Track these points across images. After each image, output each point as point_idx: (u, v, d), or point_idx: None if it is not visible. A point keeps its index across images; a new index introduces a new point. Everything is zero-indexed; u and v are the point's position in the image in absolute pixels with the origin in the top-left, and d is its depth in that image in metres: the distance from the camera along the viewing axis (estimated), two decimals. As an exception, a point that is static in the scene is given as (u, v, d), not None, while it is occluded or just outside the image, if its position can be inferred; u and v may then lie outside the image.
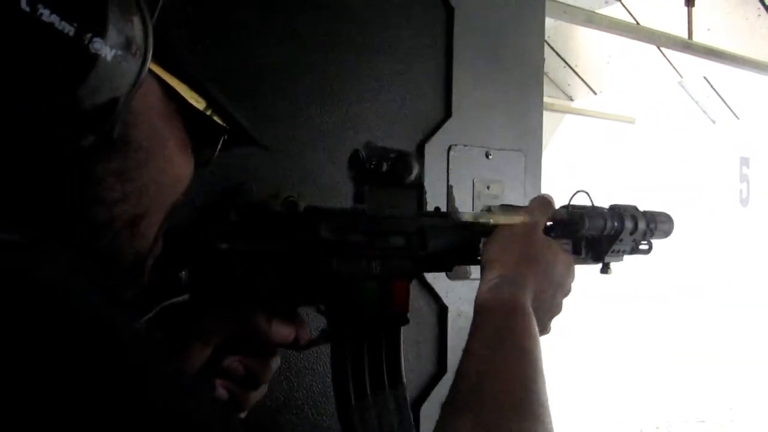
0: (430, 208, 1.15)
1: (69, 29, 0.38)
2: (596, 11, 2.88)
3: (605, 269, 0.88)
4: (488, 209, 0.81)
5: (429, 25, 1.19)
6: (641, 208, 0.89)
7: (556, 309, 0.75)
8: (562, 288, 0.75)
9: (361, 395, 0.67)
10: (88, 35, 0.39)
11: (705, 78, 5.46)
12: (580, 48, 4.60)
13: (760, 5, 3.72)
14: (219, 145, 0.58)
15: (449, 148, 1.20)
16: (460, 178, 1.21)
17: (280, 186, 0.64)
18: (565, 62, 4.87)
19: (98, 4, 0.39)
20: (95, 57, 0.39)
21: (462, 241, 0.77)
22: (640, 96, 5.45)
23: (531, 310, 0.66)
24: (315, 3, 1.06)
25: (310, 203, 0.65)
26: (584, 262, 0.87)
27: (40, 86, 0.39)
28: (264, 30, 1.01)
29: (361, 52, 1.11)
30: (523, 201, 1.30)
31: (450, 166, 1.20)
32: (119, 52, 0.40)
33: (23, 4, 0.37)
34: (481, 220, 0.80)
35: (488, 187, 1.25)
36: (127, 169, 0.46)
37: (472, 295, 1.22)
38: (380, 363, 0.69)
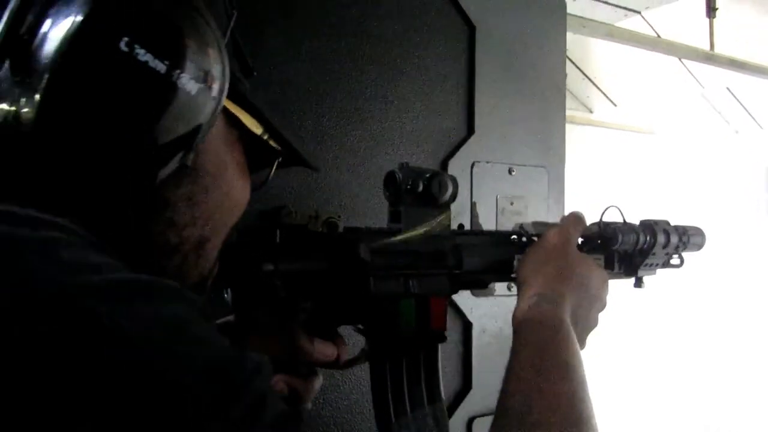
0: (453, 225, 1.16)
1: (161, 67, 0.41)
2: (616, 24, 2.88)
3: (638, 283, 0.89)
4: (521, 227, 0.81)
5: (451, 43, 1.20)
6: (672, 223, 0.90)
7: (592, 323, 0.75)
8: (597, 302, 0.75)
9: (401, 412, 0.68)
10: (177, 71, 0.42)
11: (728, 88, 5.40)
12: (599, 60, 4.59)
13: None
14: (274, 168, 0.60)
15: (472, 165, 1.20)
16: (483, 195, 1.21)
17: (318, 207, 0.65)
18: (584, 74, 4.86)
19: (182, 42, 0.42)
20: (182, 92, 0.42)
21: (497, 259, 0.78)
22: (661, 107, 5.41)
23: (571, 326, 0.66)
24: (339, 25, 1.07)
25: (349, 224, 0.66)
26: (617, 276, 0.88)
27: (133, 118, 0.41)
28: (291, 51, 1.03)
29: (385, 72, 1.12)
30: (546, 216, 1.30)
31: (473, 183, 1.20)
32: (201, 86, 0.43)
33: (122, 45, 0.39)
34: (515, 238, 0.81)
35: (511, 203, 1.25)
36: (196, 194, 0.49)
37: (496, 311, 1.22)
38: (419, 380, 0.70)
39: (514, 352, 0.64)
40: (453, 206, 1.17)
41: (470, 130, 1.21)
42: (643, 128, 5.26)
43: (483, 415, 1.18)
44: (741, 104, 5.77)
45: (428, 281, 0.70)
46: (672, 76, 4.81)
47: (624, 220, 0.85)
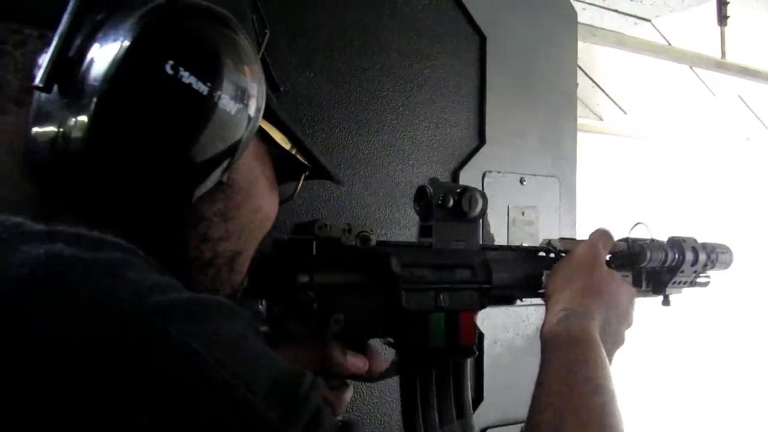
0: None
1: (203, 89, 0.42)
2: (626, 33, 2.87)
3: (666, 301, 0.88)
4: (549, 243, 0.81)
5: (462, 54, 1.20)
6: (700, 240, 0.90)
7: (620, 340, 0.75)
8: (625, 319, 0.75)
9: (430, 427, 0.68)
10: (218, 93, 0.43)
11: (739, 96, 5.37)
12: (608, 67, 4.58)
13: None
14: (301, 182, 0.62)
15: (483, 175, 1.20)
16: (494, 205, 1.21)
17: (351, 221, 0.66)
18: (594, 82, 4.85)
19: (223, 63, 0.43)
20: (222, 111, 0.43)
21: (525, 274, 0.78)
22: (671, 115, 5.39)
23: (600, 342, 0.66)
24: (350, 36, 1.08)
25: (381, 238, 0.67)
26: (645, 294, 0.88)
27: (176, 138, 0.42)
28: (302, 64, 1.03)
29: (396, 83, 1.13)
30: (558, 227, 1.30)
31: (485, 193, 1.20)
32: (240, 105, 0.44)
33: (167, 68, 0.41)
34: (543, 253, 0.81)
35: (523, 213, 1.25)
36: (229, 209, 0.50)
37: (508, 321, 1.22)
38: (448, 394, 0.71)
39: (544, 367, 0.64)
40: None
41: (481, 140, 1.21)
42: (654, 136, 5.24)
43: (495, 426, 1.18)
44: (752, 111, 5.74)
45: (458, 295, 0.70)
46: (682, 83, 4.79)
47: (652, 237, 0.85)
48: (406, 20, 1.14)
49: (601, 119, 5.21)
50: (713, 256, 0.88)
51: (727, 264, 0.91)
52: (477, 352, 0.73)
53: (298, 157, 0.58)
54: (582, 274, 0.72)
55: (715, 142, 5.96)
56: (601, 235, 0.79)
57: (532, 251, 0.83)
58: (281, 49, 1.02)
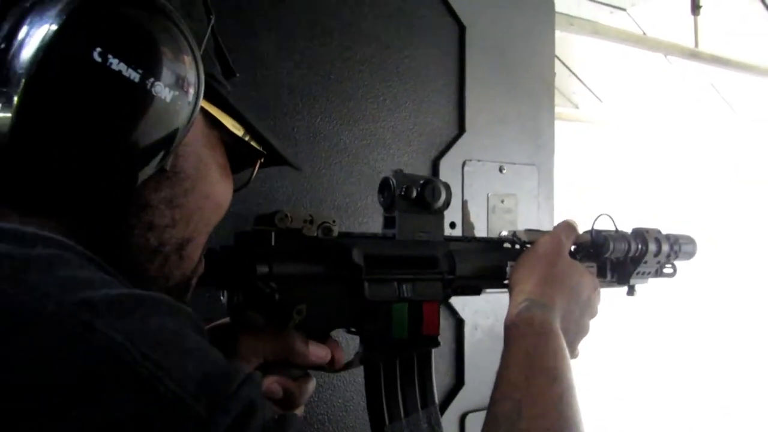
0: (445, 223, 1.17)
1: (135, 75, 0.41)
2: (601, 22, 2.90)
3: (631, 291, 0.90)
4: (514, 233, 0.83)
5: (442, 44, 1.21)
6: (664, 231, 0.91)
7: (583, 331, 0.76)
8: (589, 310, 0.76)
9: (395, 416, 0.69)
10: (151, 80, 0.42)
11: (711, 84, 5.46)
12: (584, 56, 4.62)
13: (765, 10, 3.73)
14: (256, 169, 0.61)
15: (463, 164, 1.22)
16: (474, 193, 1.23)
17: (313, 212, 0.66)
18: (570, 70, 4.89)
19: (156, 50, 0.43)
20: (156, 99, 0.43)
21: (489, 265, 0.78)
22: (646, 102, 5.46)
23: (560, 332, 0.67)
24: (331, 26, 1.08)
25: (343, 224, 0.67)
26: (610, 285, 0.89)
27: (109, 126, 0.42)
28: (283, 53, 1.03)
29: (376, 72, 1.13)
30: (537, 214, 1.32)
31: (464, 181, 1.21)
32: (176, 92, 0.44)
33: (95, 55, 0.40)
34: (507, 244, 0.82)
35: (502, 201, 1.27)
36: (176, 197, 0.49)
37: (488, 308, 1.24)
38: (413, 384, 0.71)
39: (504, 357, 0.65)
40: (445, 205, 1.18)
41: (461, 129, 1.22)
42: (628, 123, 5.31)
43: (476, 411, 1.20)
44: (724, 99, 5.84)
45: (421, 286, 0.70)
46: (656, 72, 4.85)
47: (615, 228, 0.86)
48: (385, 9, 1.14)
49: (577, 107, 5.27)
50: (676, 246, 0.90)
51: (690, 254, 0.93)
52: (440, 343, 0.73)
53: (252, 143, 0.57)
54: (544, 264, 0.73)
55: (687, 129, 6.06)
56: (566, 227, 0.79)
57: (497, 242, 0.83)
58: (261, 39, 1.01)
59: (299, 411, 0.68)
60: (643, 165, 6.12)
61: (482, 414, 1.25)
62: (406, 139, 1.16)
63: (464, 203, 1.21)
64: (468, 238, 0.81)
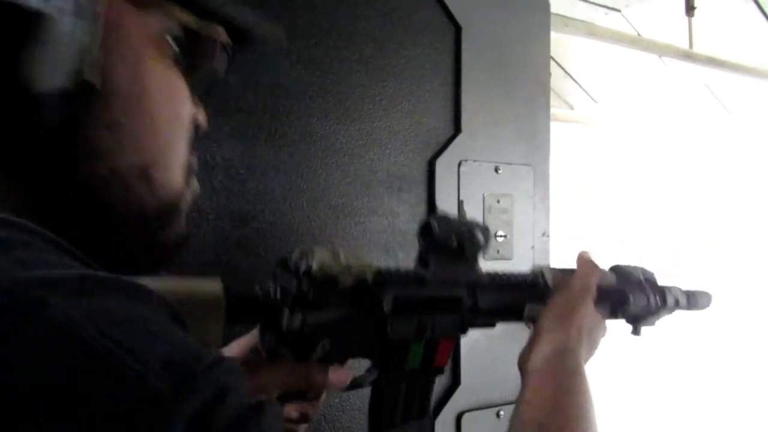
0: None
1: None
2: (597, 23, 2.91)
3: (636, 331, 0.91)
4: (540, 274, 0.82)
5: (438, 44, 1.21)
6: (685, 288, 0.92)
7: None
8: (595, 349, 0.79)
9: (392, 425, 0.70)
10: None
11: (705, 85, 5.48)
12: (578, 57, 4.64)
13: (758, 11, 3.75)
14: (215, 57, 0.53)
15: (459, 164, 1.22)
16: (470, 193, 1.23)
17: (352, 257, 0.66)
18: (565, 71, 4.90)
19: None
20: (51, 17, 0.39)
21: (510, 303, 0.79)
22: (640, 103, 5.48)
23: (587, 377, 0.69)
24: (328, 25, 1.08)
25: (378, 269, 0.67)
26: (617, 319, 0.90)
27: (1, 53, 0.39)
28: (281, 54, 1.03)
29: (373, 72, 1.13)
30: (532, 215, 1.32)
31: (460, 181, 1.22)
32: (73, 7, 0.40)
33: None
34: (530, 280, 0.82)
35: (498, 201, 1.27)
36: (115, 119, 0.44)
37: (484, 308, 1.24)
38: (413, 400, 0.72)
39: (531, 391, 0.65)
40: (440, 205, 1.18)
41: (457, 130, 1.23)
42: (622, 124, 5.33)
43: (471, 410, 1.20)
44: (719, 100, 5.86)
45: (442, 324, 0.71)
46: (650, 73, 4.87)
47: (640, 277, 0.88)
48: (382, 10, 1.14)
49: (572, 108, 5.28)
50: (692, 300, 0.92)
51: (704, 308, 0.94)
52: (444, 372, 0.75)
53: (210, 29, 0.51)
54: (574, 313, 0.74)
55: (681, 129, 6.08)
56: (592, 269, 0.80)
57: (521, 280, 0.83)
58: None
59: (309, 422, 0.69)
60: (638, 165, 6.14)
61: (478, 413, 1.25)
62: (402, 139, 1.16)
63: (460, 203, 1.22)
64: (492, 275, 0.80)
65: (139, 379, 0.33)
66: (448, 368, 1.21)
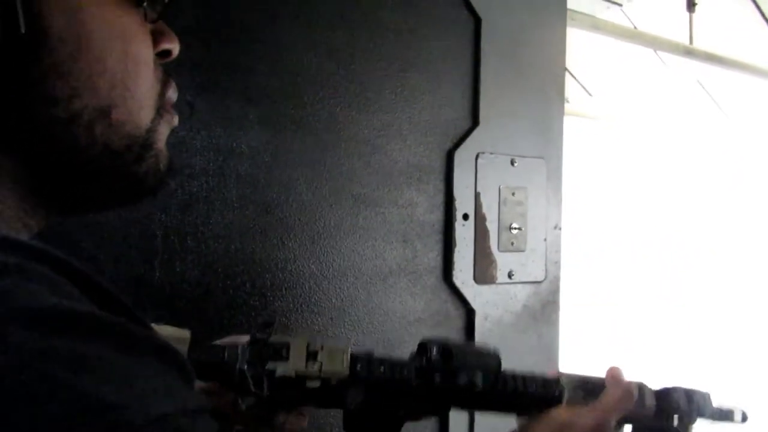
0: (458, 214, 1.17)
1: None
2: (598, 17, 2.92)
3: None
4: (557, 379, 0.74)
5: (457, 36, 1.22)
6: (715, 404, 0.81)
7: None
8: None
9: None
10: None
11: (698, 81, 5.53)
12: (574, 50, 4.65)
13: (757, 11, 3.78)
14: None
15: (477, 156, 1.23)
16: (487, 185, 1.24)
17: (317, 342, 0.68)
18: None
19: None
20: None
21: (519, 403, 0.74)
22: (634, 97, 5.52)
23: None
24: (352, 17, 1.08)
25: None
26: None
27: None
28: (306, 42, 1.03)
29: (394, 63, 1.14)
30: (546, 208, 1.33)
31: (478, 173, 1.23)
32: None
33: None
34: (540, 391, 0.74)
35: (513, 194, 1.28)
36: (63, 64, 0.44)
37: (497, 299, 1.26)
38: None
39: None
40: (458, 197, 1.19)
41: (475, 121, 1.23)
42: (617, 117, 5.37)
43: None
44: (711, 96, 5.92)
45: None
46: (645, 67, 4.90)
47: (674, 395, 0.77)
48: (403, 2, 1.14)
49: (568, 101, 5.31)
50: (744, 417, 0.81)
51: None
52: None
53: None
54: None
55: (674, 125, 6.13)
56: (621, 400, 0.70)
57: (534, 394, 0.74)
58: (284, 28, 1.02)
59: None
60: (633, 159, 6.19)
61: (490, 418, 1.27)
62: (422, 130, 1.17)
63: (477, 195, 1.23)
64: (524, 376, 0.73)
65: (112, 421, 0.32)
66: (461, 357, 1.23)
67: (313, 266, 1.05)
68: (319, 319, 1.05)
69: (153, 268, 0.91)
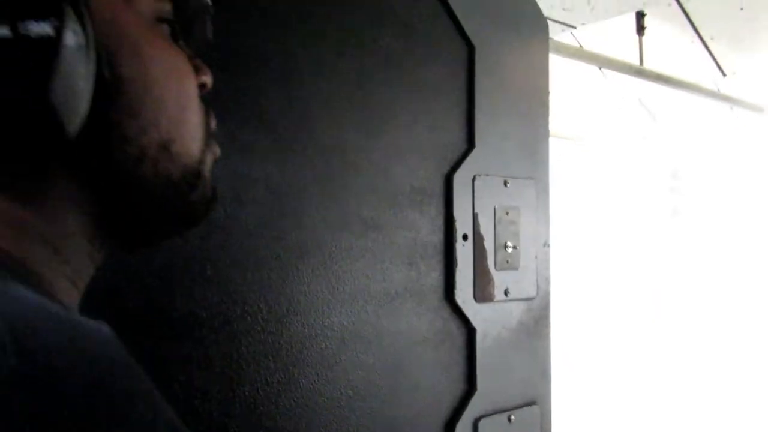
0: (458, 234, 1.20)
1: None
2: (554, 39, 3.05)
3: None
4: None
5: (453, 62, 1.26)
6: None
7: None
8: None
9: None
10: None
11: (639, 99, 5.81)
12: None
13: (693, 33, 4.03)
14: (207, 21, 0.59)
15: (473, 178, 1.26)
16: (483, 206, 1.28)
17: None
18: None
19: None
20: (63, 48, 0.40)
21: None
22: (583, 116, 5.75)
23: None
24: (356, 44, 1.11)
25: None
26: None
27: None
28: (316, 68, 1.05)
29: (396, 88, 1.16)
30: (535, 226, 1.38)
31: (475, 195, 1.26)
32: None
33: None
34: None
35: (507, 213, 1.33)
36: (133, 106, 0.48)
37: (496, 316, 1.29)
38: None
39: None
40: (458, 218, 1.22)
41: (471, 144, 1.27)
42: (570, 135, 5.57)
43: (488, 415, 1.25)
44: (650, 112, 6.22)
45: None
46: (592, 86, 5.12)
47: None
48: (403, 29, 1.18)
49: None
50: None
51: None
52: None
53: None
54: None
55: (616, 140, 6.40)
56: None
57: None
58: (294, 54, 1.03)
59: None
60: (582, 174, 6.41)
61: (494, 418, 1.29)
62: (423, 153, 1.20)
63: (475, 216, 1.26)
64: None
65: None
66: (463, 375, 1.25)
67: (325, 290, 1.05)
68: (331, 343, 1.06)
69: (174, 299, 0.90)
